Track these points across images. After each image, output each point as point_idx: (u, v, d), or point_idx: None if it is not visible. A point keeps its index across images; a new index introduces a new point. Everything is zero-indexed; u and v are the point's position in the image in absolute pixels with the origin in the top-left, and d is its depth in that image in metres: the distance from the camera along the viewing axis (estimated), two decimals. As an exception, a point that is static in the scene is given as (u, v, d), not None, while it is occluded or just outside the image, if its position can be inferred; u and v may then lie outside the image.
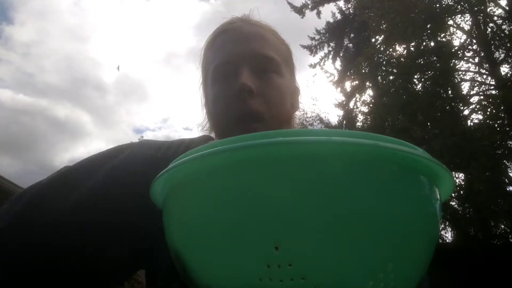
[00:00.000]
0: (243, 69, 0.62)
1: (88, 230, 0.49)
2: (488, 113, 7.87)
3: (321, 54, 13.15)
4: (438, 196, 0.32)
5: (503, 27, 9.30)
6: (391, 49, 10.47)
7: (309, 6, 12.63)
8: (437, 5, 9.28)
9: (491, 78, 9.46)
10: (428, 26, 8.93)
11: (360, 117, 11.67)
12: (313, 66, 12.98)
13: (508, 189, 8.50)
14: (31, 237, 0.47)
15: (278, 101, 0.64)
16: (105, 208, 0.51)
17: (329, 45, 13.32)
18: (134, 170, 0.55)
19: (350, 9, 13.33)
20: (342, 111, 12.65)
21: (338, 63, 13.20)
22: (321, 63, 13.01)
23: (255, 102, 0.61)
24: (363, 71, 11.07)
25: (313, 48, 13.18)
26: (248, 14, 0.74)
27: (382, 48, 10.63)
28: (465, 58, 9.94)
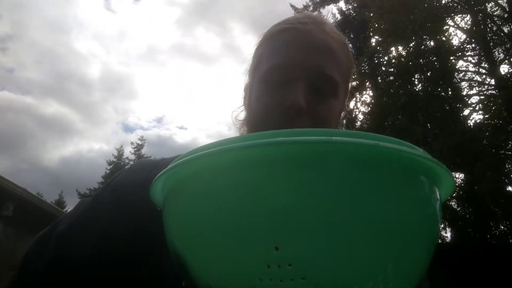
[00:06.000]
0: (299, 84, 0.57)
1: (111, 265, 0.53)
2: (490, 112, 7.87)
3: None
4: (438, 196, 0.32)
5: (504, 28, 9.29)
6: (391, 49, 10.46)
7: (310, 8, 12.65)
8: (437, 5, 9.27)
9: (491, 78, 9.45)
10: (428, 25, 8.93)
11: (360, 117, 11.68)
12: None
13: (508, 189, 8.50)
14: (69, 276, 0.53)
15: (325, 125, 0.60)
16: (118, 243, 0.53)
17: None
18: (133, 196, 0.55)
19: (351, 10, 13.33)
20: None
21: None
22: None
23: (301, 121, 0.56)
24: (363, 71, 11.06)
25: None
26: (323, 16, 0.68)
27: (382, 48, 10.63)
28: (464, 58, 9.94)
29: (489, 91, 9.29)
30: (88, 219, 0.56)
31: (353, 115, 12.05)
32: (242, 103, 0.72)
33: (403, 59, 9.75)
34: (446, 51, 9.20)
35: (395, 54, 10.52)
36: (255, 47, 0.69)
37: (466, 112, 9.69)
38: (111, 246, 0.52)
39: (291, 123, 0.56)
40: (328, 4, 12.93)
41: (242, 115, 0.72)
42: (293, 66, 0.59)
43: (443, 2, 9.54)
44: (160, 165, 0.57)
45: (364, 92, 12.10)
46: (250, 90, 0.68)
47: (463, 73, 10.12)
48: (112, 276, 0.54)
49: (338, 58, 0.62)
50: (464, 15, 10.00)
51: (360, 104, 12.22)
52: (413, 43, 9.72)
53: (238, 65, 0.75)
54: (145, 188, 0.53)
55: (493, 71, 9.19)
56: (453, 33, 10.03)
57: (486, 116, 8.13)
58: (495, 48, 9.61)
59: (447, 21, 9.73)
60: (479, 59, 9.87)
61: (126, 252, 0.53)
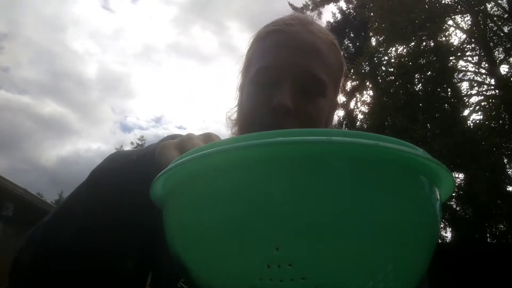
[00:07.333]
0: (286, 84, 0.58)
1: (92, 255, 0.51)
2: (487, 113, 7.88)
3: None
4: (438, 196, 0.32)
5: (504, 28, 9.30)
6: (391, 49, 10.47)
7: (310, 7, 12.64)
8: (437, 5, 9.28)
9: (491, 78, 9.46)
10: (428, 25, 8.94)
11: (360, 117, 11.69)
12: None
13: (507, 189, 8.51)
14: (52, 265, 0.51)
15: (313, 124, 0.60)
16: (95, 235, 0.51)
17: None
18: (115, 185, 0.52)
19: (351, 9, 13.33)
20: (343, 111, 12.67)
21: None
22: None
23: (288, 121, 0.57)
24: (363, 71, 11.07)
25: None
26: (310, 17, 0.70)
27: (382, 48, 10.63)
28: (464, 58, 9.95)
29: (489, 91, 9.30)
30: (67, 209, 0.55)
31: (353, 115, 12.05)
32: (236, 103, 0.73)
33: (403, 59, 9.76)
34: (446, 51, 9.21)
35: (395, 54, 10.53)
36: (247, 48, 0.70)
37: (466, 112, 9.71)
38: (88, 238, 0.50)
39: (278, 123, 0.57)
40: (328, 3, 12.94)
41: (235, 115, 0.72)
42: (280, 67, 0.60)
43: (443, 2, 9.55)
44: (136, 152, 0.55)
45: (364, 92, 12.11)
46: (242, 91, 0.69)
47: (463, 73, 10.13)
48: (95, 269, 0.51)
49: (325, 57, 0.63)
50: (464, 15, 10.02)
51: (360, 104, 12.23)
52: (413, 43, 9.73)
53: (235, 64, 0.76)
54: (122, 174, 0.51)
55: (493, 71, 9.19)
56: (453, 33, 10.05)
57: (485, 117, 8.14)
58: (495, 48, 9.62)
59: (447, 21, 9.74)
60: (479, 59, 9.88)
61: (105, 244, 0.51)
